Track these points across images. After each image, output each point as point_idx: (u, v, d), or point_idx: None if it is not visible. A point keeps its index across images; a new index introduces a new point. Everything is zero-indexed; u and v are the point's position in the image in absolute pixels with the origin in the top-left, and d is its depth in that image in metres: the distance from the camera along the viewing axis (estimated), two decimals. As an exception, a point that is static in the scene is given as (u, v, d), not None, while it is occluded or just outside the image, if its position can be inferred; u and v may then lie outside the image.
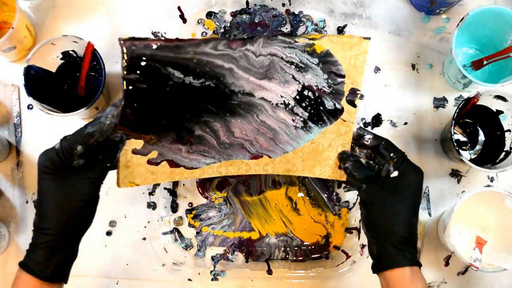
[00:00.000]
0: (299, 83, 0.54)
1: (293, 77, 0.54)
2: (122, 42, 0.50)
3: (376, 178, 0.53)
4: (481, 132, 0.72)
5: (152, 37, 0.72)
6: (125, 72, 0.50)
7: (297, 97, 0.55)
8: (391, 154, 0.53)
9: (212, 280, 0.69)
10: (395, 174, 0.52)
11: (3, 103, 0.72)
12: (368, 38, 0.54)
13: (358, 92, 0.55)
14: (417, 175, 0.52)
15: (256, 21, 0.74)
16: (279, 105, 0.55)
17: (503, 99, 0.66)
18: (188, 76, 0.52)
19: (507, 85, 0.63)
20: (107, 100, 0.72)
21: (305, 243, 0.71)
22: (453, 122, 0.64)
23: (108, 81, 0.71)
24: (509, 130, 0.68)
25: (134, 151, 0.54)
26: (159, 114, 0.53)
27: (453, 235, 0.65)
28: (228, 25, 0.74)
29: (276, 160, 0.57)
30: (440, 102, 0.72)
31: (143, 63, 0.50)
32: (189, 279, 0.69)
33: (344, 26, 0.73)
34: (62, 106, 0.66)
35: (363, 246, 0.68)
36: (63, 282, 0.51)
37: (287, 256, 0.70)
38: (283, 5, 0.74)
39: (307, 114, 0.55)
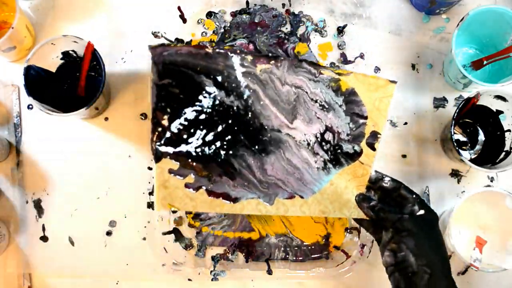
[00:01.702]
0: (322, 122, 0.55)
1: (316, 115, 0.54)
2: (152, 48, 0.50)
3: (407, 213, 0.54)
4: (481, 132, 0.72)
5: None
6: (157, 78, 0.51)
7: (319, 138, 0.55)
8: (413, 196, 0.55)
9: (212, 280, 0.69)
10: (421, 212, 0.54)
11: (3, 103, 0.72)
12: (395, 82, 0.55)
13: (379, 136, 0.55)
14: (435, 215, 0.55)
15: (256, 21, 0.74)
16: (302, 142, 0.55)
17: (503, 99, 0.66)
18: (220, 90, 0.52)
19: (507, 85, 0.63)
20: (107, 100, 0.72)
21: (305, 243, 0.71)
22: (453, 122, 0.64)
23: (108, 81, 0.71)
24: (509, 130, 0.68)
25: (171, 171, 0.54)
26: (198, 129, 0.53)
27: (453, 235, 0.65)
28: (228, 25, 0.74)
29: (309, 201, 0.56)
30: (440, 102, 0.72)
31: (176, 69, 0.51)
32: (189, 279, 0.69)
33: (344, 26, 0.73)
34: (62, 106, 0.66)
35: (363, 246, 0.68)
36: None
37: (287, 256, 0.70)
38: (283, 5, 0.74)
39: (327, 157, 0.55)
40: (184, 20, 0.73)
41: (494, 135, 0.70)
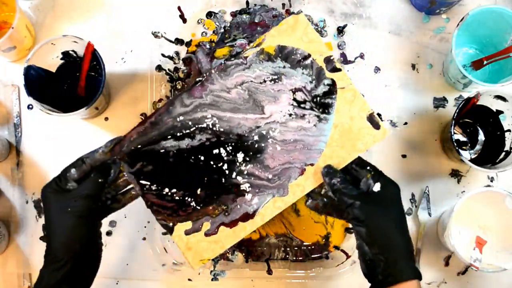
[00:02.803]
0: (284, 91, 0.55)
1: (276, 90, 0.55)
2: (110, 151, 0.54)
3: (363, 195, 0.52)
4: (481, 132, 0.72)
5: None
6: (129, 168, 0.54)
7: (294, 103, 0.55)
8: (367, 168, 0.54)
9: (212, 280, 0.69)
10: (377, 187, 0.52)
11: (3, 103, 0.72)
12: (299, 12, 0.55)
13: (332, 57, 0.55)
14: (395, 187, 0.53)
15: (256, 21, 0.73)
16: (284, 118, 0.55)
17: (503, 99, 0.66)
18: (181, 140, 0.54)
19: (507, 85, 0.63)
20: (107, 100, 0.72)
21: (305, 243, 0.71)
22: (453, 122, 0.64)
23: (108, 81, 0.71)
24: (509, 130, 0.68)
25: (187, 232, 0.55)
26: (190, 186, 0.55)
27: (453, 235, 0.65)
28: (228, 25, 0.74)
29: (320, 163, 0.55)
30: (440, 102, 0.72)
31: (139, 152, 0.54)
32: (189, 279, 0.69)
33: (344, 26, 0.73)
34: (62, 106, 0.66)
35: (363, 246, 0.68)
36: None
37: (287, 256, 0.70)
38: (283, 5, 0.74)
39: (315, 112, 0.55)
40: (184, 20, 0.73)
41: (494, 135, 0.70)
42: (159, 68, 0.71)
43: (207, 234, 0.55)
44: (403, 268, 0.49)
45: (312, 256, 0.70)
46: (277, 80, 0.55)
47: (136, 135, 0.54)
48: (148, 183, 0.54)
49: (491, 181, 0.71)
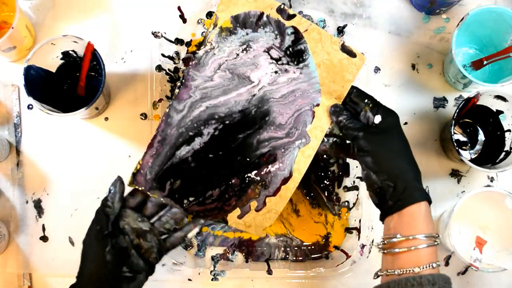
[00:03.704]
0: (259, 55, 0.56)
1: (252, 58, 0.56)
2: (136, 183, 0.54)
3: (366, 127, 0.54)
4: (481, 132, 0.72)
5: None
6: (160, 193, 0.55)
7: (274, 62, 0.56)
8: (366, 100, 0.55)
9: (212, 280, 0.69)
10: (378, 119, 0.53)
11: (3, 103, 0.72)
12: None
13: (282, 6, 0.56)
14: (394, 116, 0.54)
15: (256, 21, 0.73)
16: (272, 77, 0.56)
17: (503, 99, 0.66)
18: (192, 141, 0.55)
19: (507, 85, 0.63)
20: (107, 100, 0.72)
21: (305, 243, 0.71)
22: (453, 122, 0.64)
23: (108, 81, 0.71)
24: (509, 130, 0.68)
25: (239, 216, 0.57)
26: (222, 180, 0.56)
27: (453, 235, 0.65)
28: (228, 25, 0.74)
29: (323, 100, 0.57)
30: (440, 102, 0.72)
31: (163, 173, 0.55)
32: (189, 279, 0.69)
33: (344, 26, 0.73)
34: (62, 106, 0.66)
35: (363, 246, 0.68)
36: None
37: (287, 256, 0.70)
38: (283, 5, 0.74)
39: (293, 64, 0.56)
40: (184, 20, 0.73)
41: (494, 135, 0.70)
42: (159, 68, 0.71)
43: (257, 210, 0.57)
44: (411, 192, 0.50)
45: (312, 256, 0.70)
46: (247, 49, 0.56)
47: (151, 160, 0.54)
48: (185, 198, 0.55)
49: (491, 181, 0.71)
